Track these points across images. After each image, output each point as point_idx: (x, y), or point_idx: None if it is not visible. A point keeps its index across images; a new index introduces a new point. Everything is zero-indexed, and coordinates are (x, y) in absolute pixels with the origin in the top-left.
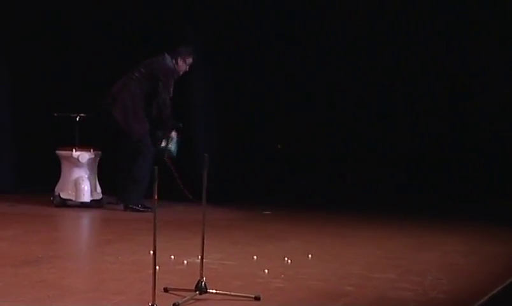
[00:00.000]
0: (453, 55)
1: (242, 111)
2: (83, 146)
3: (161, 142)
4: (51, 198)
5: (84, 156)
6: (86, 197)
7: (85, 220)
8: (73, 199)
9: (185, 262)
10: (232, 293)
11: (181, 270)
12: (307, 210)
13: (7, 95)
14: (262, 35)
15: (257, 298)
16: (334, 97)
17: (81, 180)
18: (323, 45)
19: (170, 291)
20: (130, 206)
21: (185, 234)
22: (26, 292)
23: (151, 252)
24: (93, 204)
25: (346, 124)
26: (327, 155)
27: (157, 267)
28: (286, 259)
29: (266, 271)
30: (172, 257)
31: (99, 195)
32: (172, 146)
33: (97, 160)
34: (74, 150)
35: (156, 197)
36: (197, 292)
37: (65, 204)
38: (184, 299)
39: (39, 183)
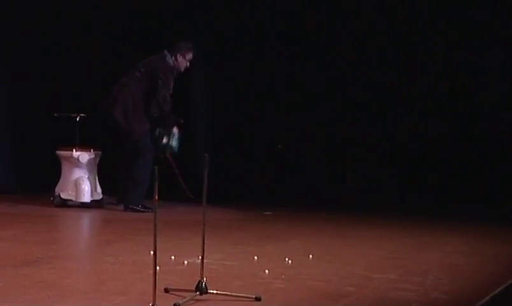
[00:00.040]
0: (453, 54)
1: (243, 111)
2: (83, 147)
3: (162, 138)
4: (52, 198)
5: (84, 156)
6: (86, 198)
7: (85, 220)
8: (73, 199)
9: (186, 262)
10: (233, 294)
11: (181, 271)
12: (307, 210)
13: (7, 95)
14: (262, 35)
15: (258, 299)
16: (333, 97)
17: (81, 180)
18: (323, 45)
19: (170, 292)
20: (131, 206)
21: (185, 234)
22: (26, 292)
23: (152, 252)
24: (94, 205)
25: (346, 124)
26: (327, 155)
27: (158, 267)
28: (286, 259)
29: (267, 271)
30: (173, 257)
31: (99, 195)
32: (174, 143)
33: (97, 161)
34: (74, 150)
35: (156, 197)
36: (198, 293)
37: (65, 204)
38: (184, 300)
39: (39, 183)
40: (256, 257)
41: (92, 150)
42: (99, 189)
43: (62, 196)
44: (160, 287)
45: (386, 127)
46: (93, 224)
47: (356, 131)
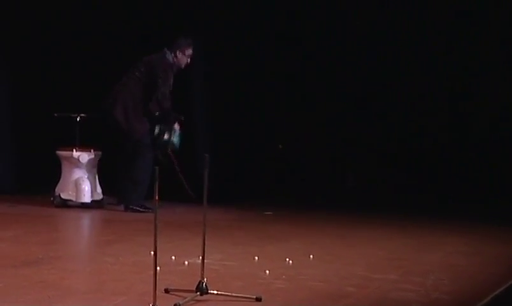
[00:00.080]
0: (453, 54)
1: (243, 111)
2: (84, 147)
3: (163, 135)
4: (52, 199)
5: (84, 156)
6: (86, 198)
7: (86, 220)
8: (73, 199)
9: (186, 263)
10: (233, 294)
11: (181, 271)
12: (307, 211)
13: (7, 95)
14: (262, 35)
15: (258, 299)
16: (334, 97)
17: (81, 180)
18: (323, 45)
19: (171, 292)
20: (131, 206)
21: (186, 234)
22: (26, 293)
23: (152, 252)
24: (94, 205)
25: (346, 124)
26: (327, 155)
27: (158, 268)
28: (287, 259)
29: (267, 271)
30: (173, 258)
31: (99, 195)
32: (175, 139)
33: (97, 161)
34: (74, 151)
35: (157, 197)
36: (198, 293)
37: (65, 204)
38: (185, 300)
39: (39, 184)
40: (256, 258)
41: (92, 150)
42: (99, 189)
43: (62, 196)
44: (161, 287)
45: (386, 127)
46: (94, 225)
47: (356, 131)
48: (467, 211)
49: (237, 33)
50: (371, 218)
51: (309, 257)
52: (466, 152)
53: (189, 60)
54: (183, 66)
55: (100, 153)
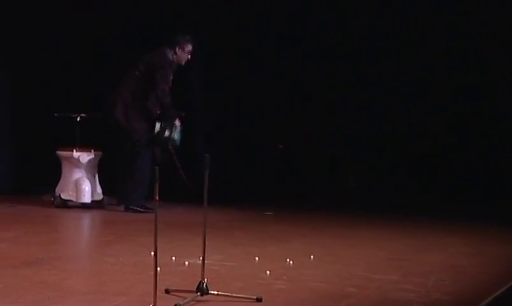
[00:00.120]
0: (454, 54)
1: (243, 111)
2: (84, 147)
3: (164, 131)
4: (52, 199)
5: (84, 157)
6: (86, 198)
7: (86, 221)
8: (74, 199)
9: (186, 263)
10: (234, 294)
11: (182, 271)
12: (308, 211)
13: (7, 95)
14: (262, 35)
15: (259, 300)
16: (334, 97)
17: (81, 180)
18: (323, 45)
19: (171, 293)
20: (131, 207)
21: (186, 235)
22: (26, 293)
23: (152, 253)
24: (94, 205)
25: (346, 124)
26: (327, 155)
27: (158, 268)
28: (288, 260)
29: (268, 272)
30: (174, 258)
31: (99, 196)
32: (176, 136)
33: (98, 161)
34: (74, 151)
35: (157, 198)
36: (199, 294)
37: (65, 205)
38: (185, 301)
39: (39, 184)
40: (257, 258)
41: (92, 151)
42: (99, 190)
43: (63, 196)
44: (161, 288)
45: (386, 127)
46: (94, 225)
47: (356, 131)
48: (467, 211)
49: (237, 33)
50: (371, 219)
51: (310, 257)
52: (466, 152)
53: (189, 56)
54: (183, 63)
55: (100, 153)
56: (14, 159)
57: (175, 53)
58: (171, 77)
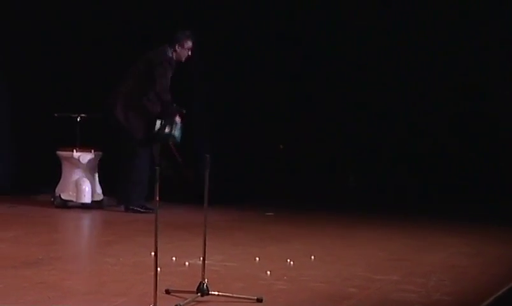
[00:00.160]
0: (454, 54)
1: (243, 111)
2: (84, 147)
3: (165, 128)
4: (52, 199)
5: (85, 157)
6: (87, 198)
7: (86, 221)
8: (74, 200)
9: (187, 263)
10: (234, 295)
11: (182, 272)
12: (308, 211)
13: (7, 95)
14: (262, 35)
15: (259, 300)
16: (334, 97)
17: (81, 180)
18: (323, 45)
19: (171, 293)
20: (131, 207)
21: (186, 235)
22: (26, 293)
23: (153, 253)
24: (94, 206)
25: (347, 124)
26: (328, 155)
27: (159, 269)
28: (288, 260)
29: (268, 272)
30: (174, 258)
31: (99, 196)
32: (176, 132)
33: (98, 161)
34: (74, 151)
35: (157, 198)
36: (199, 294)
37: (65, 205)
38: (186, 301)
39: (39, 184)
40: (257, 259)
41: (92, 151)
42: (99, 190)
43: (63, 196)
44: (161, 288)
45: (386, 127)
46: (94, 225)
47: (356, 131)
48: (467, 211)
49: (237, 32)
50: (371, 219)
51: (310, 258)
52: (466, 152)
53: (189, 52)
54: (183, 59)
55: (100, 153)
56: (14, 159)
57: (175, 50)
58: (170, 74)
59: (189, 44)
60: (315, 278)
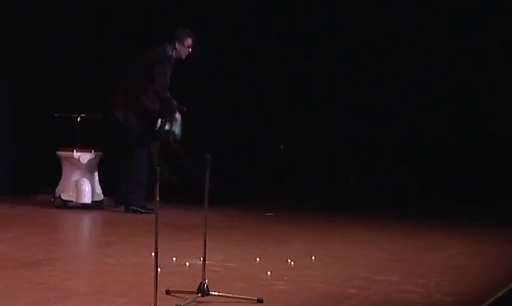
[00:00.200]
0: (454, 54)
1: (243, 111)
2: (84, 147)
3: (165, 125)
4: (52, 199)
5: (85, 157)
6: (87, 199)
7: (86, 221)
8: (74, 200)
9: (187, 264)
10: (235, 295)
11: (183, 272)
12: (308, 211)
13: (7, 95)
14: (262, 35)
15: (260, 300)
16: (335, 97)
17: (82, 181)
18: (323, 45)
19: (172, 293)
20: (132, 207)
21: (186, 236)
22: (26, 294)
23: (153, 253)
24: (94, 206)
25: (347, 125)
26: (328, 155)
27: (159, 269)
28: (288, 261)
29: (269, 273)
30: (174, 259)
31: (99, 196)
32: (177, 129)
33: (98, 161)
34: (75, 151)
35: (158, 198)
36: (199, 295)
37: (66, 205)
38: (186, 302)
39: (39, 184)
40: (258, 259)
41: (92, 151)
42: (99, 190)
43: (63, 197)
44: (162, 288)
45: (386, 127)
46: (94, 226)
47: (356, 131)
48: (467, 211)
49: (237, 32)
50: (372, 219)
51: (311, 258)
52: (466, 152)
53: (189, 50)
54: (183, 57)
55: (100, 153)
56: (14, 159)
57: (175, 48)
58: (169, 72)
59: (189, 41)
60: (315, 279)
